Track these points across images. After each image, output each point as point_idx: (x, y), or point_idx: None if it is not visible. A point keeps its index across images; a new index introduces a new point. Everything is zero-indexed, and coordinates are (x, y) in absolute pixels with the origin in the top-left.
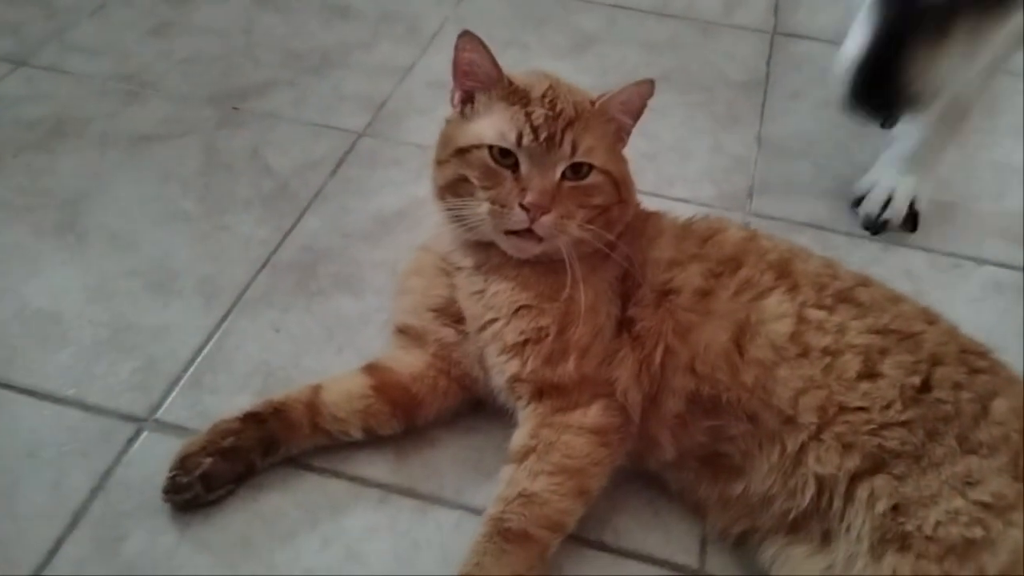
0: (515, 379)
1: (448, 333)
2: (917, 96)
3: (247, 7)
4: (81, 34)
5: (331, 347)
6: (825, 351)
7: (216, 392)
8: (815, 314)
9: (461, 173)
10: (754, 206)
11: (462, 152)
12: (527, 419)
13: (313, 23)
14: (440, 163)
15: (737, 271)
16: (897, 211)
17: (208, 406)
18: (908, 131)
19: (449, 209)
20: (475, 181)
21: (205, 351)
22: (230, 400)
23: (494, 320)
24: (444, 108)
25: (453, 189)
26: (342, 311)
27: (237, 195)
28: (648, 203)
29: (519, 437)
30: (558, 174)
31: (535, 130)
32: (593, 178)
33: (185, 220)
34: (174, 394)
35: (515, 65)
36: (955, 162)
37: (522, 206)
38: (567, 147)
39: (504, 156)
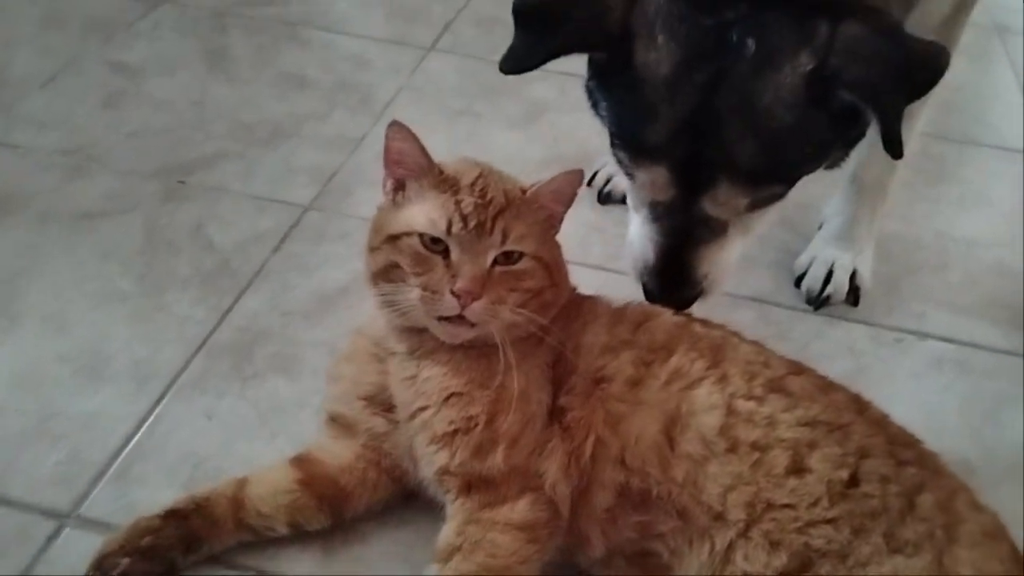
0: (444, 471)
1: (379, 423)
2: (712, 287)
3: (200, 77)
4: (31, 106)
5: (264, 434)
6: (754, 446)
7: (143, 484)
8: (745, 406)
9: (392, 259)
10: None
11: (393, 239)
12: (455, 514)
13: (267, 94)
14: (372, 250)
15: (668, 359)
16: (838, 287)
17: (134, 499)
18: (837, 209)
19: (382, 295)
20: (406, 267)
21: (134, 440)
22: (157, 492)
23: (424, 408)
24: None
25: (385, 275)
26: (277, 395)
27: (177, 273)
28: (594, 276)
29: (445, 534)
30: (489, 260)
31: (465, 218)
32: (524, 264)
33: (122, 300)
34: (99, 487)
35: (468, 135)
36: (899, 232)
37: (453, 292)
38: (497, 235)
39: (435, 243)
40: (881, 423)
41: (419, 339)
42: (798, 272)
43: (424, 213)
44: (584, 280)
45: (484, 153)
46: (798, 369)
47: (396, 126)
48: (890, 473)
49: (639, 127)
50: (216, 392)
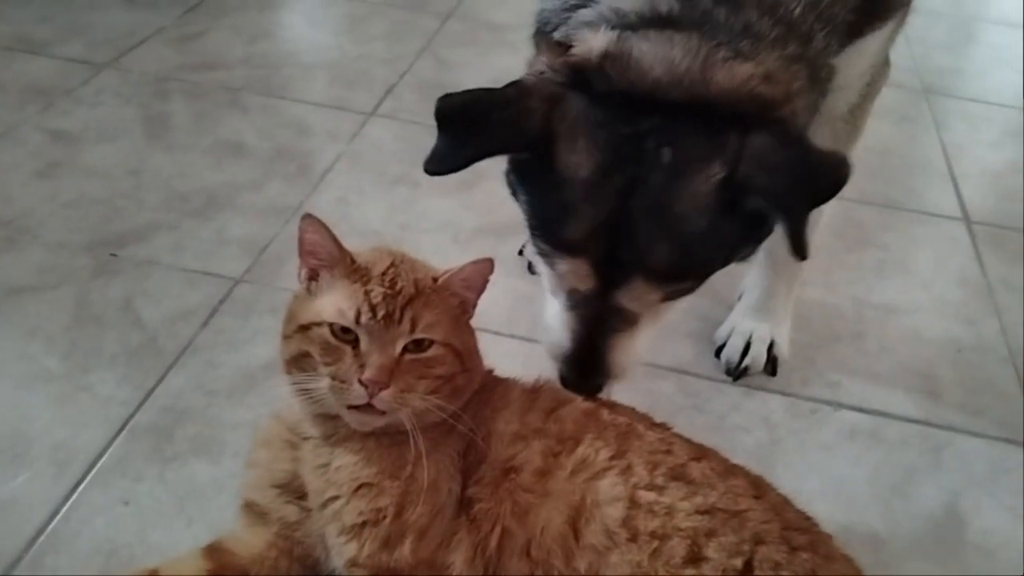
0: (352, 563)
1: (291, 511)
2: (621, 373)
3: (139, 145)
4: None
5: (181, 520)
6: (653, 535)
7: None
8: (646, 496)
9: (304, 349)
10: None
11: (304, 328)
12: None
13: (204, 162)
14: (285, 338)
15: (575, 449)
16: (756, 358)
17: None
18: (754, 282)
19: (294, 383)
20: (316, 356)
21: (49, 528)
22: None
23: (335, 498)
24: None
25: (298, 363)
26: (197, 478)
27: (103, 351)
28: (521, 347)
29: None
30: (398, 349)
31: (373, 308)
32: (434, 351)
33: (47, 380)
34: None
35: (405, 203)
36: (818, 299)
37: (360, 382)
38: (406, 324)
39: (345, 333)
40: (778, 508)
41: (333, 425)
42: (718, 343)
43: (334, 303)
44: (511, 351)
45: (420, 221)
46: (700, 454)
47: (309, 219)
48: (783, 560)
49: (560, 223)
50: (135, 476)
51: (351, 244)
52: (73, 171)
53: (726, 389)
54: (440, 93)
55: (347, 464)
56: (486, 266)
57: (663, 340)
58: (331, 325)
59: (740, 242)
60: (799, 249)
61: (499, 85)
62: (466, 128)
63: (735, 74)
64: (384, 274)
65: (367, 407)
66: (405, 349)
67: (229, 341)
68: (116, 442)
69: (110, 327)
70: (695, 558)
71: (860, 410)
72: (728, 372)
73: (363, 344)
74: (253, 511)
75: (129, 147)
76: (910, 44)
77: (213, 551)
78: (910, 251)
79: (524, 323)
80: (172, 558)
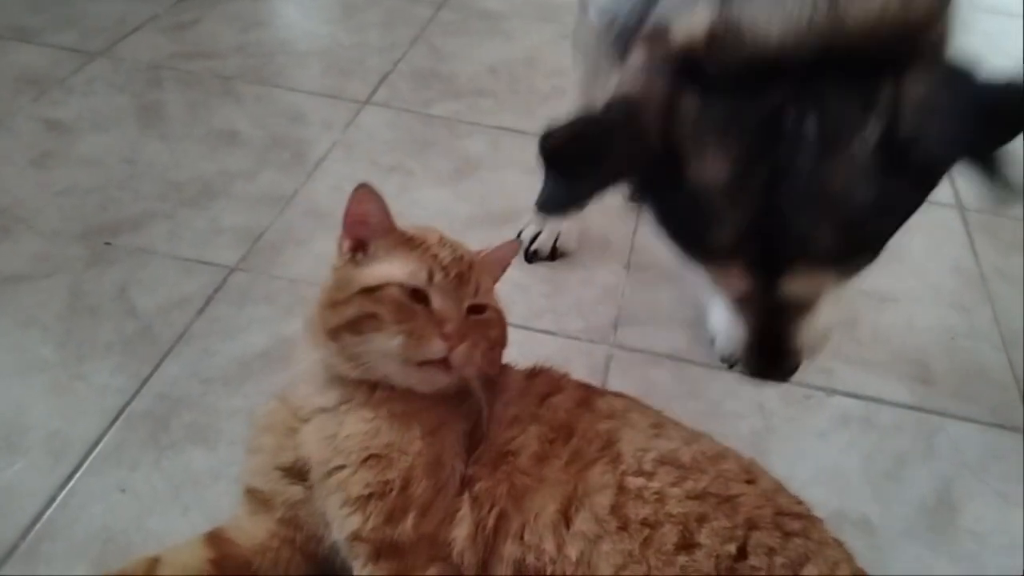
0: (355, 536)
1: (295, 491)
2: (810, 353)
3: (132, 136)
4: None
5: (177, 507)
6: (644, 523)
7: (51, 562)
8: (635, 482)
9: (369, 310)
10: (618, 337)
11: (369, 291)
12: None
13: (197, 151)
14: (337, 304)
15: (569, 439)
16: None
17: None
18: None
19: (345, 347)
20: (386, 316)
21: (46, 516)
22: (66, 570)
23: (341, 467)
24: (322, 239)
25: (355, 327)
26: (193, 466)
27: (98, 340)
28: (516, 335)
29: None
30: (465, 309)
31: (444, 268)
32: (489, 315)
33: (42, 369)
34: (8, 565)
35: (399, 191)
36: None
37: (442, 336)
38: (473, 285)
39: (415, 293)
40: (770, 493)
41: (353, 392)
42: (712, 333)
43: (401, 267)
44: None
45: (414, 209)
46: (693, 438)
47: (365, 188)
48: (776, 545)
49: (703, 234)
50: (131, 464)
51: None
52: (67, 160)
53: (721, 376)
54: (435, 81)
55: (357, 433)
56: (515, 247)
57: (658, 327)
58: (402, 285)
59: (912, 199)
60: (1007, 186)
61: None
62: (578, 165)
63: (869, 5)
64: (442, 242)
65: (440, 363)
66: (468, 311)
67: (224, 329)
68: (112, 430)
69: (105, 316)
70: (687, 544)
71: (853, 396)
72: (723, 359)
73: (436, 303)
74: (255, 498)
75: (123, 136)
76: None
77: (215, 539)
78: (903, 239)
79: (520, 311)
80: (173, 546)
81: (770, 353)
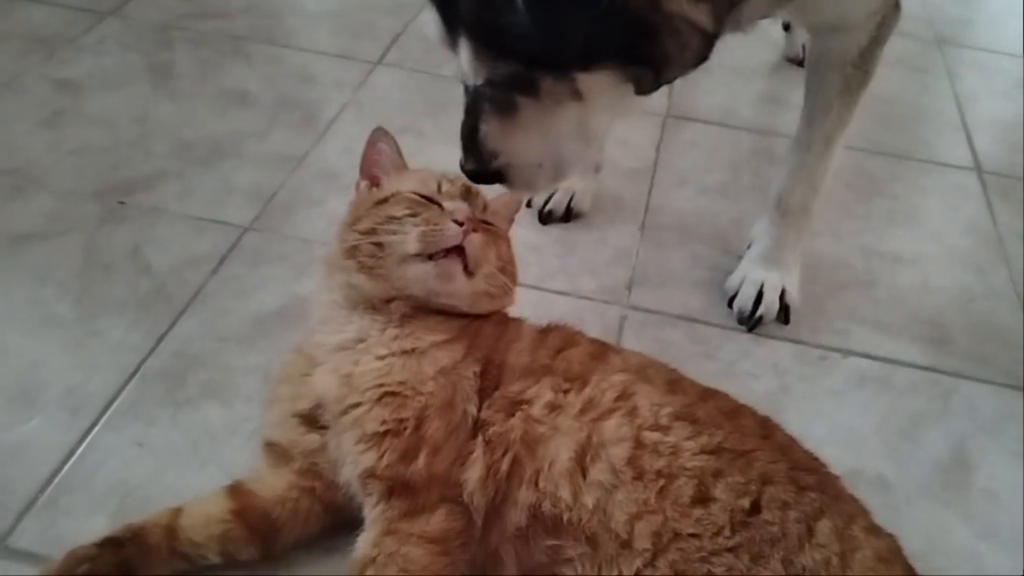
0: (369, 474)
1: (312, 439)
2: (506, 169)
3: (143, 95)
4: None
5: (195, 462)
6: (659, 474)
7: (71, 515)
8: (651, 436)
9: (387, 214)
10: (632, 298)
11: (384, 200)
12: (374, 522)
13: (208, 111)
14: (358, 219)
15: (583, 389)
16: (769, 306)
17: (62, 530)
18: (763, 231)
19: (364, 261)
20: (403, 214)
21: (64, 470)
22: (85, 523)
23: (357, 404)
24: (334, 200)
25: (372, 236)
26: (209, 422)
27: (113, 297)
28: (528, 295)
29: (362, 544)
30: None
31: (451, 182)
32: (499, 232)
33: (58, 326)
34: (27, 518)
35: (412, 152)
36: (827, 250)
37: (456, 221)
38: (480, 200)
39: (426, 200)
40: (785, 448)
41: (370, 322)
42: (730, 292)
43: (411, 182)
44: (519, 299)
45: None
46: (708, 395)
47: (381, 130)
48: (790, 500)
49: None
50: (148, 419)
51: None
52: (78, 119)
53: (735, 336)
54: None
55: (371, 371)
56: (516, 198)
57: (672, 288)
58: (414, 192)
59: (569, 30)
60: None
61: None
62: None
63: None
64: (445, 175)
65: (455, 251)
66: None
67: (239, 288)
68: (128, 387)
69: (119, 274)
70: (703, 498)
71: (869, 357)
72: (741, 321)
73: (447, 204)
74: (274, 451)
75: (133, 95)
76: None
77: (236, 491)
78: (920, 201)
79: (533, 272)
80: (194, 497)
81: (466, 139)
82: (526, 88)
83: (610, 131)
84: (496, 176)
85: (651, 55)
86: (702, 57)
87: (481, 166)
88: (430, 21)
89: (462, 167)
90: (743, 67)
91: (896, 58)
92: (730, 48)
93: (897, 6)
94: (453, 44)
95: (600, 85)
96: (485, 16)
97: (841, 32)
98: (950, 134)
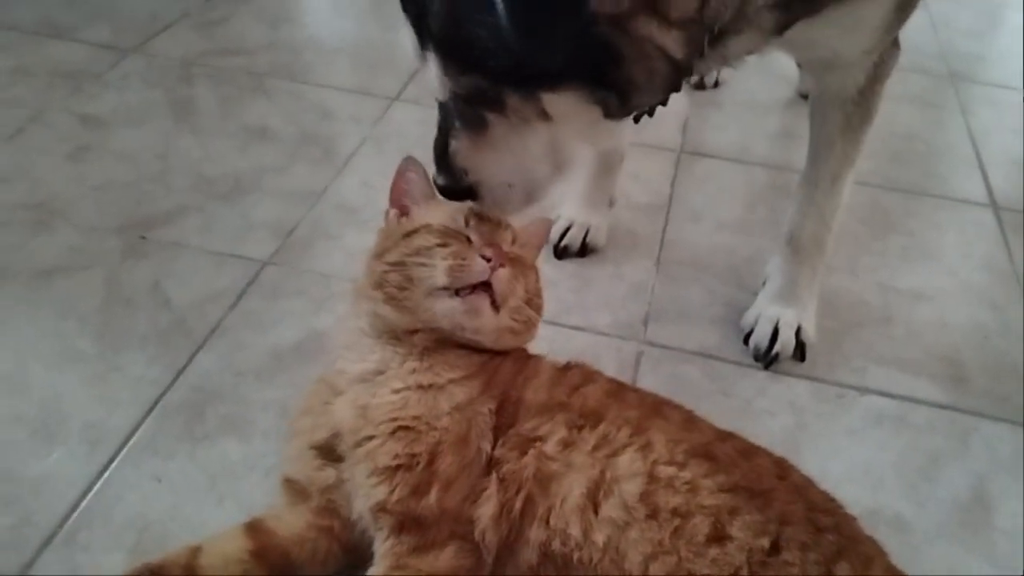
0: (380, 508)
1: (329, 475)
2: (479, 188)
3: (166, 131)
4: None
5: (212, 497)
6: (675, 512)
7: (89, 549)
8: (666, 471)
9: (416, 245)
10: (648, 334)
11: (413, 232)
12: (383, 557)
13: (230, 146)
14: (386, 250)
15: (597, 426)
16: (785, 343)
17: (79, 565)
18: (777, 268)
19: (391, 294)
20: (432, 244)
21: (83, 504)
22: (102, 558)
23: (371, 437)
24: (353, 234)
25: (402, 267)
26: (227, 457)
27: (134, 332)
28: (544, 332)
29: None
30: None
31: (479, 216)
32: (527, 264)
33: (79, 360)
34: (47, 552)
35: None
36: (843, 286)
37: (483, 256)
38: (508, 234)
39: (454, 233)
40: (802, 489)
41: (392, 354)
42: (746, 329)
43: (440, 215)
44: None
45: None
46: (724, 436)
47: (411, 160)
48: (809, 540)
49: None
50: (167, 454)
51: (377, 227)
52: (102, 154)
53: (752, 373)
54: None
55: (386, 404)
56: (547, 223)
57: (688, 324)
58: (443, 225)
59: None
60: None
61: None
62: None
63: None
64: (473, 207)
65: (481, 288)
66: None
67: (257, 323)
68: (147, 421)
69: (140, 308)
70: (719, 536)
71: (886, 395)
72: (757, 358)
73: (474, 238)
74: (292, 488)
75: (156, 131)
76: (936, 29)
77: (255, 529)
78: (936, 237)
79: (549, 307)
80: (213, 536)
81: (438, 155)
82: (493, 105)
83: (582, 156)
84: (468, 193)
85: (616, 79)
86: (672, 85)
87: (453, 182)
88: (405, 35)
89: (434, 182)
90: (757, 102)
91: (910, 94)
92: (744, 84)
93: (896, 44)
94: (424, 58)
95: (566, 106)
96: (451, 29)
97: (837, 69)
98: (965, 170)
